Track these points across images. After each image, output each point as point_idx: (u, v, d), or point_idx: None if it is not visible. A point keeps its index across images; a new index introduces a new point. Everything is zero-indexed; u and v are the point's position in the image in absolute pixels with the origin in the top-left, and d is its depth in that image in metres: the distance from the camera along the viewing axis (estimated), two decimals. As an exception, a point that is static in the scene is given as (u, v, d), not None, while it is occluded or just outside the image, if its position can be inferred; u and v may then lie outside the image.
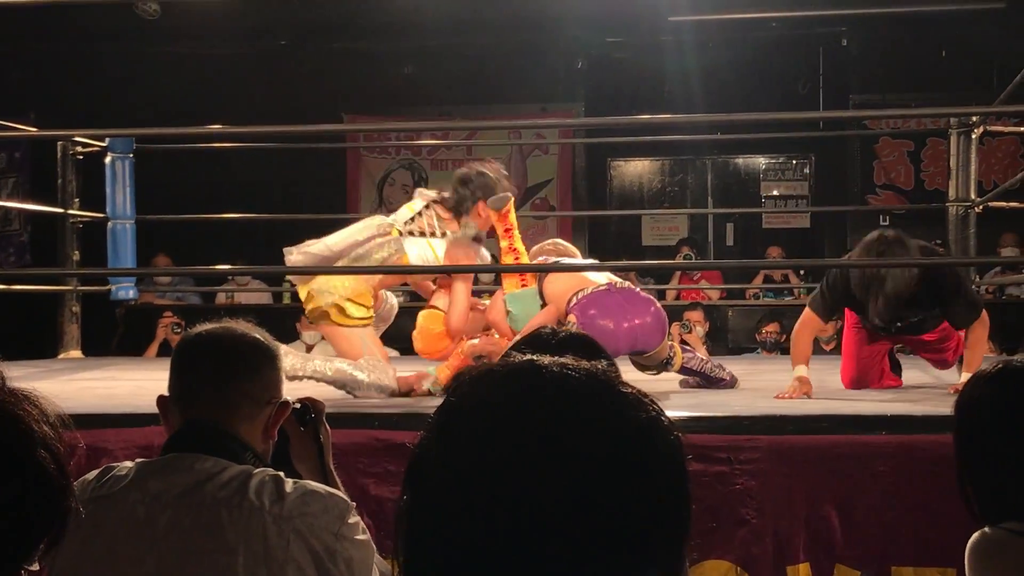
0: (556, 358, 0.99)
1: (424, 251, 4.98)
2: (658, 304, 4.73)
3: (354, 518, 2.07)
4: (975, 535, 2.10)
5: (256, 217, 9.25)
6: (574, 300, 4.59)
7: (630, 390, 0.97)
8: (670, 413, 0.98)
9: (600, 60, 11.79)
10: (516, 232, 4.97)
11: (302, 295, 4.93)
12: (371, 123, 11.38)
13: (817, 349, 8.33)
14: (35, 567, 1.21)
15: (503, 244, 4.97)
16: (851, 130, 10.84)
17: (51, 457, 1.20)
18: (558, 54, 11.68)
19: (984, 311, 4.77)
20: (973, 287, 4.91)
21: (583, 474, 0.90)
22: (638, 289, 4.84)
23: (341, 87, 11.38)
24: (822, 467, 3.35)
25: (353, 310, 4.81)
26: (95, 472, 2.16)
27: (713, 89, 10.73)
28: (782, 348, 8.58)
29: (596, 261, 5.16)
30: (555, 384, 0.96)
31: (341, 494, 2.11)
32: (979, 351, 4.68)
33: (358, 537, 2.06)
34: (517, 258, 4.93)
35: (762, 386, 5.22)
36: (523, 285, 4.87)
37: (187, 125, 8.16)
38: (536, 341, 2.03)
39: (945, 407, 3.91)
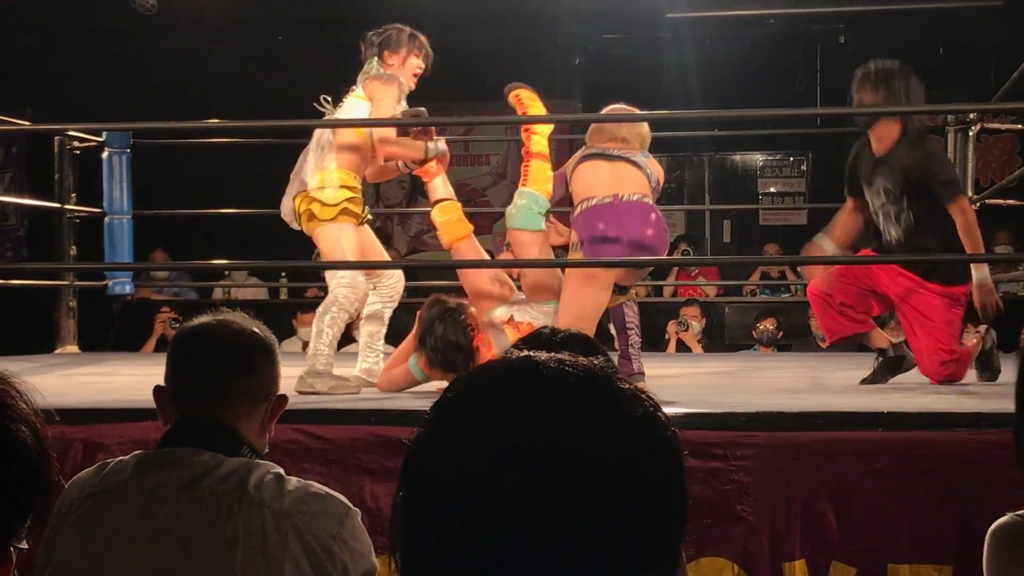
0: (553, 354, 0.99)
1: (357, 109, 5.33)
2: (659, 215, 4.74)
3: (352, 522, 2.07)
4: (999, 520, 2.09)
5: (253, 212, 9.22)
6: (579, 210, 4.68)
7: (627, 386, 0.97)
8: (667, 409, 0.98)
9: (597, 56, 11.79)
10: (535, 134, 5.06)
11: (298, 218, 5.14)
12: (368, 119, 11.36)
13: (814, 347, 8.36)
14: (24, 545, 1.20)
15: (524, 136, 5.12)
16: (848, 127, 10.83)
17: (30, 432, 1.19)
18: (555, 50, 11.67)
19: (964, 196, 4.94)
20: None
21: (579, 470, 0.90)
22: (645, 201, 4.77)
23: (338, 82, 11.36)
24: (818, 464, 3.35)
25: (329, 195, 4.98)
26: (93, 467, 2.16)
27: (710, 86, 10.72)
28: (779, 344, 8.59)
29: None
30: (552, 380, 0.95)
31: (342, 498, 2.10)
32: (975, 236, 4.73)
33: (355, 544, 2.05)
34: (527, 152, 5.05)
35: (759, 383, 5.23)
36: (524, 184, 4.93)
37: (184, 120, 8.15)
38: (535, 340, 2.04)
39: (942, 404, 3.92)
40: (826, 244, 5.26)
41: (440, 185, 5.16)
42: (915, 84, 4.90)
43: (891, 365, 5.08)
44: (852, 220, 5.31)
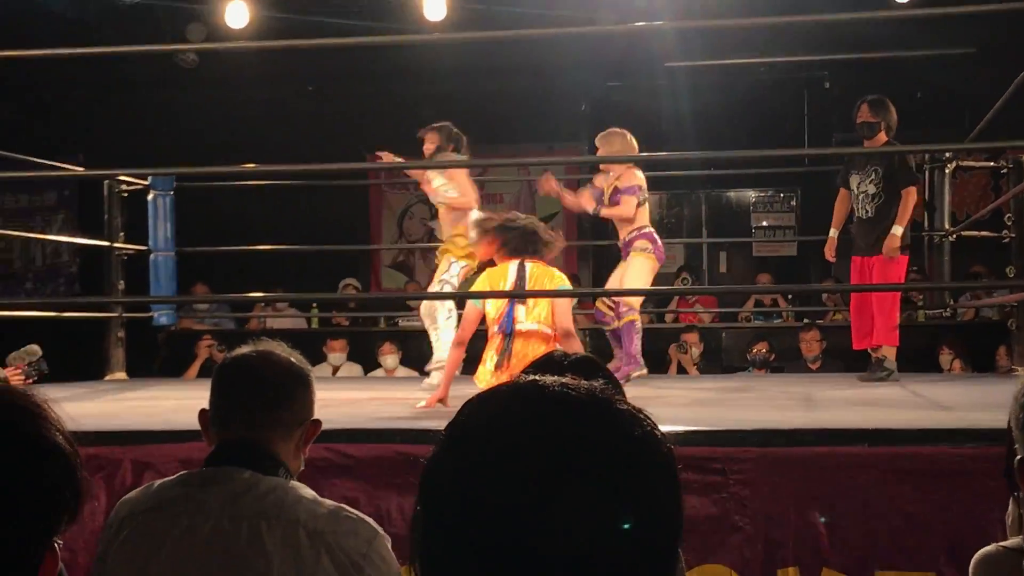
0: (557, 378, 0.98)
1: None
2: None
3: (381, 544, 2.05)
4: (984, 550, 2.08)
5: (285, 248, 9.27)
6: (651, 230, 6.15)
7: (626, 407, 0.97)
8: (669, 426, 0.98)
9: (602, 103, 11.81)
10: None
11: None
12: (391, 162, 11.37)
13: (803, 368, 8.34)
14: (60, 541, 1.22)
15: None
16: (834, 165, 10.83)
17: (63, 438, 1.21)
18: (563, 97, 11.71)
19: (915, 187, 6.17)
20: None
21: (583, 485, 0.90)
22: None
23: (363, 128, 11.42)
24: (809, 477, 3.34)
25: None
26: (141, 488, 2.16)
27: (706, 128, 10.74)
28: (771, 366, 8.57)
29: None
30: (556, 402, 0.95)
31: (372, 523, 2.09)
32: (909, 207, 6.03)
33: (382, 565, 2.04)
34: None
35: (753, 402, 5.21)
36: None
37: (222, 164, 8.18)
38: (546, 363, 2.03)
39: (924, 420, 3.91)
40: (832, 233, 6.60)
41: None
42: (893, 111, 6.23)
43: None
44: (844, 206, 6.48)
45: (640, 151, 5.67)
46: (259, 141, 10.75)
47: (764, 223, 12.30)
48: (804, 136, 11.66)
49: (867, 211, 6.20)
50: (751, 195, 12.33)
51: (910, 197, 6.04)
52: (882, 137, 6.16)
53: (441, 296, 5.21)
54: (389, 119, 11.45)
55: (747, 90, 11.39)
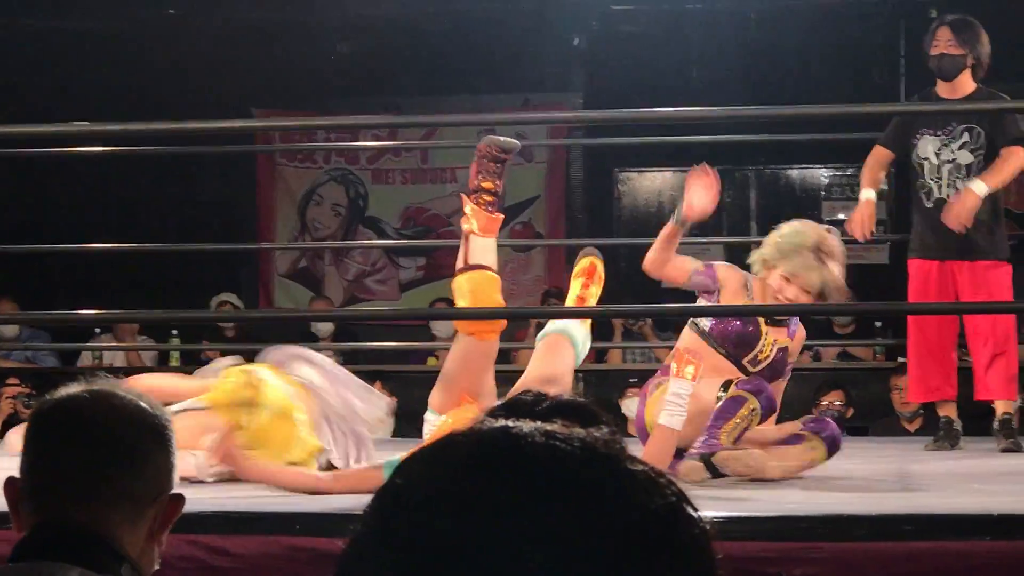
0: (540, 424, 0.98)
1: None
2: None
3: None
4: None
5: (131, 248, 9.23)
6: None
7: (640, 468, 0.97)
8: (700, 513, 0.97)
9: (604, 35, 11.87)
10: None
11: None
12: (290, 119, 11.39)
13: (897, 429, 8.37)
14: None
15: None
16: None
17: None
18: (546, 27, 11.75)
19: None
20: None
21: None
22: None
23: (250, 72, 11.41)
24: (905, 584, 3.37)
25: None
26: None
27: (758, 75, 10.80)
28: (849, 425, 8.60)
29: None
30: (538, 460, 0.95)
31: None
32: (1010, 170, 6.09)
33: None
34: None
35: (823, 478, 5.24)
36: None
37: (38, 122, 8.16)
38: (512, 409, 2.03)
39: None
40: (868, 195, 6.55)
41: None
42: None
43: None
44: (880, 169, 6.74)
45: (660, 106, 5.65)
46: (94, 90, 10.72)
47: (841, 215, 12.36)
48: (900, 88, 11.73)
49: (955, 191, 6.17)
50: (822, 174, 12.41)
51: (1015, 158, 6.08)
52: (967, 79, 6.29)
53: (412, 314, 5.20)
54: (288, 59, 11.47)
55: (819, 19, 11.45)
